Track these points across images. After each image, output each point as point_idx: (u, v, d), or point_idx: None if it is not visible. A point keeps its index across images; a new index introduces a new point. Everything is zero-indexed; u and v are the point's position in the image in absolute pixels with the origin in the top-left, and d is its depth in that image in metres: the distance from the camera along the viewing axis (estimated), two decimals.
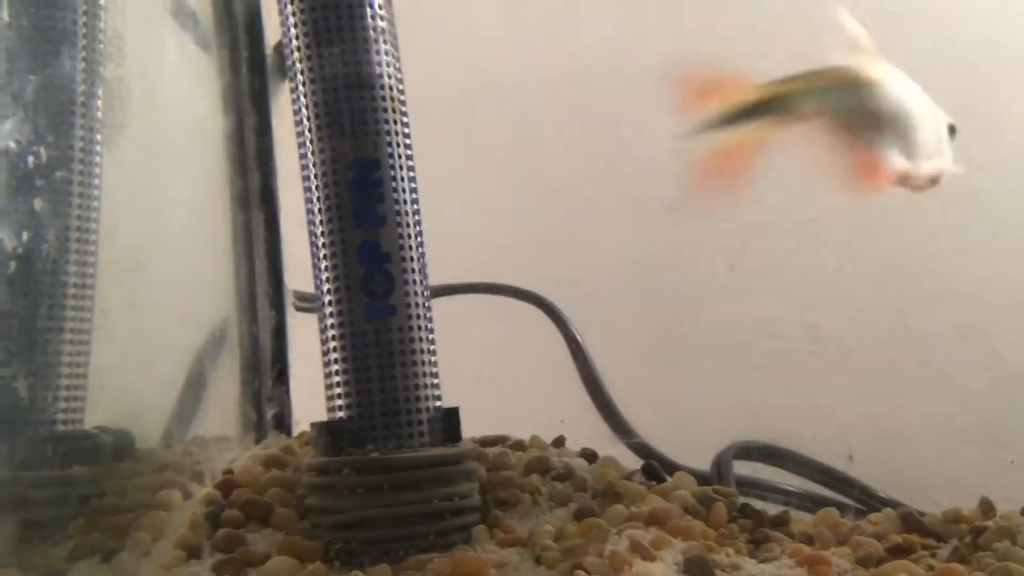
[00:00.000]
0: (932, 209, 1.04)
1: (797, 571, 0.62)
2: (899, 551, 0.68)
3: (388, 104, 0.71)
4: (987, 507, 0.77)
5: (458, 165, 1.23)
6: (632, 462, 0.86)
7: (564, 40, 1.24)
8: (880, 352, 1.16)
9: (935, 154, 0.59)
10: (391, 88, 0.71)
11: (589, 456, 0.83)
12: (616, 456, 0.81)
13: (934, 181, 0.60)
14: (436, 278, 1.01)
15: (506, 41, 1.25)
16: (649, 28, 1.21)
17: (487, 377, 1.20)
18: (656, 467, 0.82)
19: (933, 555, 0.68)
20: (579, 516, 0.71)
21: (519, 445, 0.83)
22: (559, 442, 0.85)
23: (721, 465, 0.96)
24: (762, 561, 0.65)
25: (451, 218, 1.24)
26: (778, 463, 1.05)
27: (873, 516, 0.78)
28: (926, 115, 0.59)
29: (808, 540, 0.72)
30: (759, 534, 0.72)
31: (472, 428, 0.82)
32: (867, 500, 0.95)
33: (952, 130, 0.61)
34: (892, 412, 1.13)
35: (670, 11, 1.20)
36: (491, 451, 0.79)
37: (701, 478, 0.84)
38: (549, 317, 1.07)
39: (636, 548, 0.63)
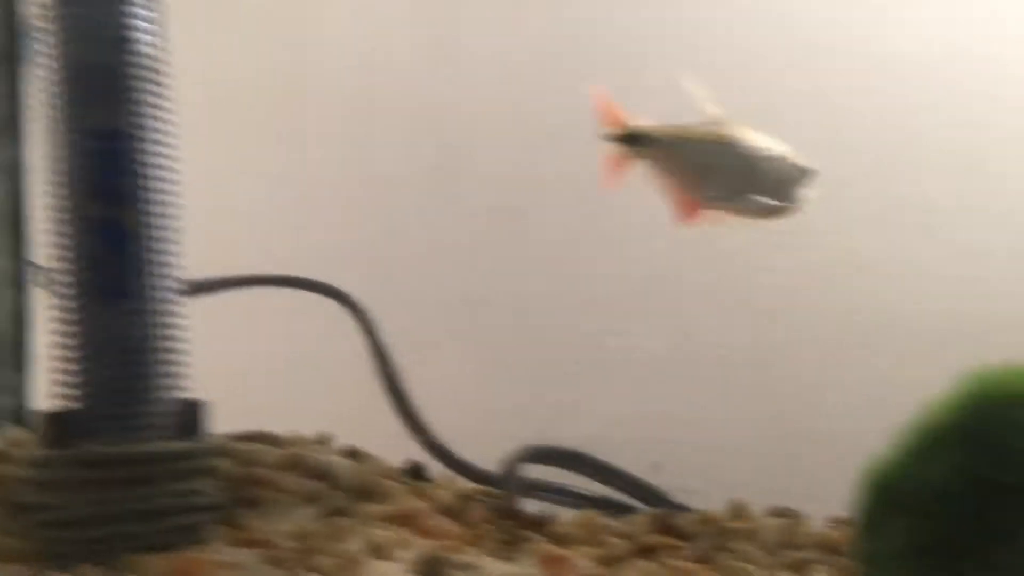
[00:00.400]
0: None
1: (536, 570, 0.61)
2: (645, 551, 0.68)
3: (140, 71, 0.66)
4: (738, 509, 0.79)
5: (289, 156, 1.19)
6: (428, 463, 0.85)
7: (404, 35, 1.22)
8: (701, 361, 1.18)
9: (773, 196, 0.71)
10: (145, 53, 0.66)
11: (351, 454, 0.80)
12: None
13: (770, 215, 0.72)
14: (250, 269, 0.96)
15: (344, 30, 1.21)
16: (484, 30, 1.20)
17: (283, 371, 1.16)
18: (420, 467, 0.80)
19: (678, 555, 0.69)
20: (328, 515, 0.68)
21: (277, 441, 0.79)
22: (323, 439, 0.81)
23: (508, 468, 0.95)
24: (506, 561, 0.64)
25: (268, 209, 1.20)
26: (572, 467, 1.05)
27: (633, 518, 0.79)
28: (761, 167, 0.71)
29: (564, 540, 0.72)
30: (516, 535, 0.72)
31: (271, 425, 0.78)
32: (662, 504, 0.96)
33: (806, 173, 0.72)
34: (708, 419, 1.15)
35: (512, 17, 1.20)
36: (243, 447, 0.75)
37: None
38: (344, 307, 1.04)
39: (373, 548, 0.60)
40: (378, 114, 1.22)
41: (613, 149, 0.70)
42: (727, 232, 0.76)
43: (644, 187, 0.75)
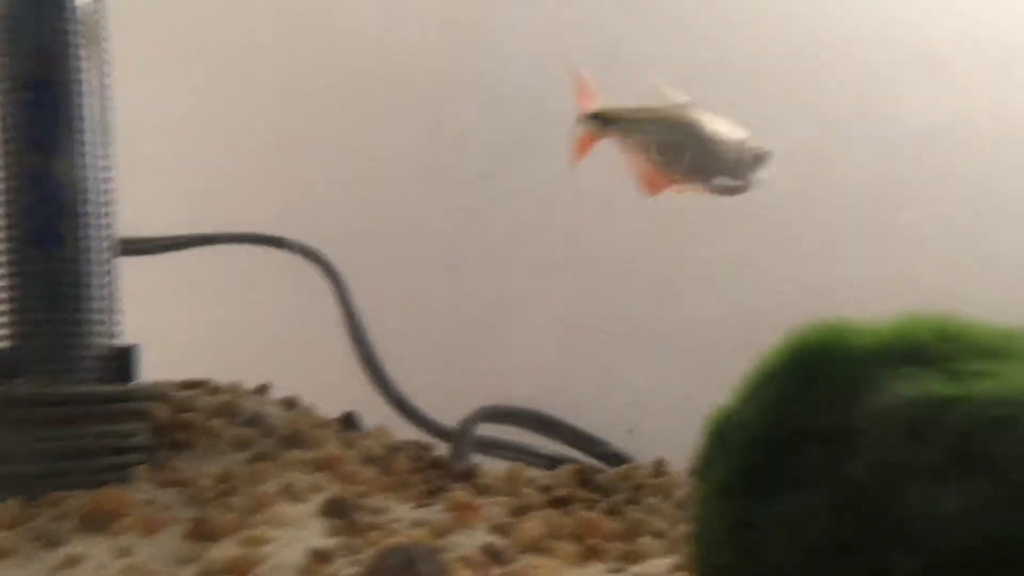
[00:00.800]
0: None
1: (445, 515, 0.64)
2: (558, 502, 0.71)
3: (73, 24, 0.68)
4: (660, 466, 0.81)
5: (276, 117, 1.22)
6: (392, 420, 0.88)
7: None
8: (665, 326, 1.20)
9: (730, 174, 0.76)
10: (79, 6, 0.68)
11: (288, 404, 0.82)
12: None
13: (727, 192, 0.77)
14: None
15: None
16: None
17: (258, 329, 1.18)
18: (354, 417, 0.83)
19: (590, 508, 0.71)
20: (254, 460, 0.71)
21: (215, 390, 0.81)
22: (261, 389, 0.84)
23: (463, 425, 0.98)
24: (418, 507, 0.66)
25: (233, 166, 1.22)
26: (531, 426, 1.08)
27: (558, 472, 0.82)
28: (719, 149, 0.76)
29: (485, 491, 0.75)
30: (438, 485, 0.74)
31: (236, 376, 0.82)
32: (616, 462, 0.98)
33: (760, 156, 0.76)
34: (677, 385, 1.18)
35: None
36: (180, 394, 0.78)
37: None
38: (314, 265, 1.06)
39: (288, 491, 0.63)
40: (367, 80, 1.24)
41: (583, 128, 0.75)
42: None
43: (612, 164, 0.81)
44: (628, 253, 1.21)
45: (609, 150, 0.78)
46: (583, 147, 0.76)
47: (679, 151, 0.75)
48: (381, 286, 1.19)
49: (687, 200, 0.77)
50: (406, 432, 0.91)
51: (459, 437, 0.95)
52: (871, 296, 1.06)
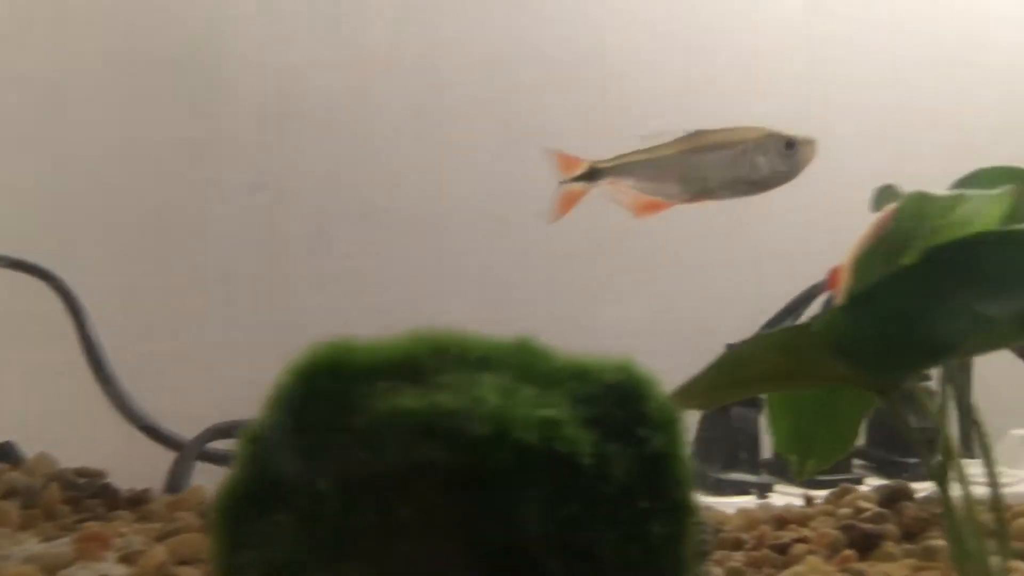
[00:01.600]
0: None
1: (67, 549, 0.61)
2: None
3: None
4: None
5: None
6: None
7: None
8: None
9: (753, 175, 0.77)
10: None
11: None
12: None
13: (762, 187, 0.78)
14: None
15: None
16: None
17: None
18: (11, 448, 0.79)
19: None
20: None
21: None
22: None
23: (188, 445, 0.95)
24: (47, 541, 0.63)
25: None
26: None
27: None
28: (726, 150, 0.78)
29: (149, 517, 0.73)
30: (95, 514, 0.72)
31: None
32: None
33: (789, 142, 0.77)
34: None
35: None
36: None
37: None
38: (52, 288, 1.01)
39: None
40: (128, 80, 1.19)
41: (569, 187, 0.78)
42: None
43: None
44: (402, 266, 1.22)
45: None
46: (568, 203, 0.78)
47: (686, 174, 0.77)
48: (147, 300, 1.16)
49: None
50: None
51: (181, 458, 0.93)
52: None
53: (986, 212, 0.41)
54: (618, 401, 0.38)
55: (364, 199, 1.22)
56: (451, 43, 1.24)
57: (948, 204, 0.42)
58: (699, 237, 1.20)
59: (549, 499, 0.34)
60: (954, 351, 0.39)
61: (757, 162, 0.77)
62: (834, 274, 0.47)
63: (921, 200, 0.42)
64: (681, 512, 0.37)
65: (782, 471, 0.92)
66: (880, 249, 0.43)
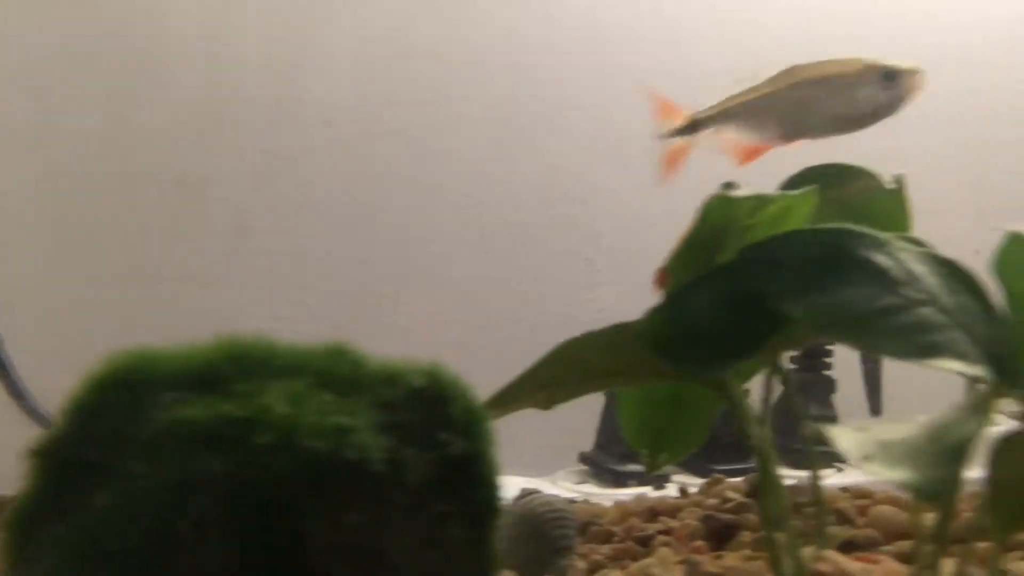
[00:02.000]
0: None
1: None
2: None
3: None
4: None
5: None
6: None
7: None
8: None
9: (857, 104, 0.72)
10: None
11: None
12: None
13: (867, 120, 0.73)
14: None
15: None
16: None
17: None
18: None
19: None
20: None
21: None
22: None
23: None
24: None
25: None
26: None
27: None
28: (828, 83, 0.73)
29: None
30: None
31: None
32: None
33: (892, 72, 0.72)
34: None
35: None
36: None
37: None
38: None
39: None
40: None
41: (673, 142, 0.74)
42: None
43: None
44: (333, 262, 1.22)
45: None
46: (675, 160, 0.75)
47: (785, 113, 0.73)
48: (72, 296, 1.13)
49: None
50: None
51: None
52: None
53: (796, 211, 0.42)
54: (421, 405, 0.38)
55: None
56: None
57: (754, 204, 0.43)
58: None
59: (337, 507, 0.34)
60: (756, 349, 0.40)
61: (856, 96, 0.73)
62: (660, 273, 0.47)
63: (725, 202, 0.42)
64: (484, 514, 0.37)
65: (685, 462, 0.92)
66: (689, 250, 0.43)
